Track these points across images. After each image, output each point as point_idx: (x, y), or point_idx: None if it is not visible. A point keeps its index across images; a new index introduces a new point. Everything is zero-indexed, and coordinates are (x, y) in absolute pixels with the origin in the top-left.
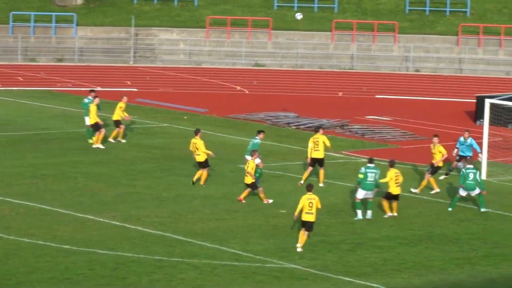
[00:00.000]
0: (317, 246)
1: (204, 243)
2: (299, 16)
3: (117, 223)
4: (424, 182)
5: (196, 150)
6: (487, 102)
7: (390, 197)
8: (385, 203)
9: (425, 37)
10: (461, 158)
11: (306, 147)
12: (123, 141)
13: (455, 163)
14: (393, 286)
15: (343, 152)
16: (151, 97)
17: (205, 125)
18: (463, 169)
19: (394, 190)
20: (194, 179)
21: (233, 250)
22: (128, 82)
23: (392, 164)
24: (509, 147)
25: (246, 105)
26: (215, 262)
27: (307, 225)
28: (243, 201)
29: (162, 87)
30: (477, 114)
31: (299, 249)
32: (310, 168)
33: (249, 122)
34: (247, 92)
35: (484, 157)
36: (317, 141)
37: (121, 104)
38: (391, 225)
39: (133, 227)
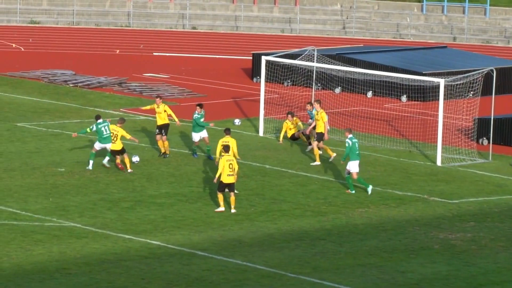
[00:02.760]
0: (97, 204)
1: None
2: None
3: None
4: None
5: None
6: (264, 59)
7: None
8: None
9: None
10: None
11: (84, 104)
12: None
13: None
14: (173, 243)
15: (121, 109)
16: None
17: None
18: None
19: None
20: None
21: (11, 209)
22: None
23: (228, 133)
24: (285, 104)
25: (22, 63)
26: None
27: (230, 187)
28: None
29: None
30: (254, 71)
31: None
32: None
33: (25, 79)
34: (22, 49)
35: (261, 115)
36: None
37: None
38: (171, 182)
39: None
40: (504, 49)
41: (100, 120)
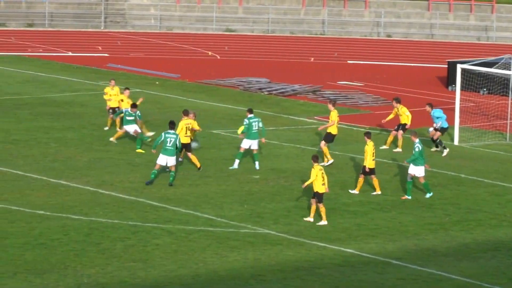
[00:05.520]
0: (291, 211)
1: (178, 209)
2: None
3: (91, 188)
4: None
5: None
6: (459, 67)
7: (365, 172)
8: (361, 180)
9: (396, 2)
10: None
11: (278, 112)
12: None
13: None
14: (367, 251)
15: (316, 117)
16: (122, 63)
17: (177, 90)
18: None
19: (370, 164)
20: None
21: (207, 216)
22: (99, 48)
23: (369, 136)
24: (480, 113)
25: (218, 70)
26: (189, 227)
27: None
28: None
29: (133, 53)
30: (449, 80)
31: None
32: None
33: (220, 87)
34: (218, 57)
35: (456, 123)
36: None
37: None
38: (364, 191)
39: (106, 192)
40: None
41: (251, 115)
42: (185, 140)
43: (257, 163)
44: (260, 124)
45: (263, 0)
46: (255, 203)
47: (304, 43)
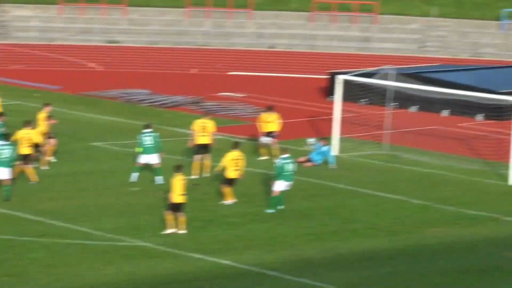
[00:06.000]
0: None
1: (55, 222)
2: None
3: None
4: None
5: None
6: (339, 78)
7: (227, 182)
8: (226, 189)
9: (279, 13)
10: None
11: (160, 123)
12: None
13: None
14: (244, 262)
15: None
16: (2, 75)
17: (58, 102)
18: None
19: (231, 174)
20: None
21: (84, 229)
22: None
23: (235, 146)
24: (359, 123)
25: (100, 82)
26: (65, 241)
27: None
28: None
29: (14, 65)
30: (330, 90)
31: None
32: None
33: (101, 99)
34: (100, 69)
35: (335, 133)
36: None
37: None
38: (243, 202)
39: None
40: None
41: (146, 130)
42: (26, 151)
43: (156, 178)
44: (156, 139)
45: (146, 12)
46: (133, 215)
47: (187, 55)
